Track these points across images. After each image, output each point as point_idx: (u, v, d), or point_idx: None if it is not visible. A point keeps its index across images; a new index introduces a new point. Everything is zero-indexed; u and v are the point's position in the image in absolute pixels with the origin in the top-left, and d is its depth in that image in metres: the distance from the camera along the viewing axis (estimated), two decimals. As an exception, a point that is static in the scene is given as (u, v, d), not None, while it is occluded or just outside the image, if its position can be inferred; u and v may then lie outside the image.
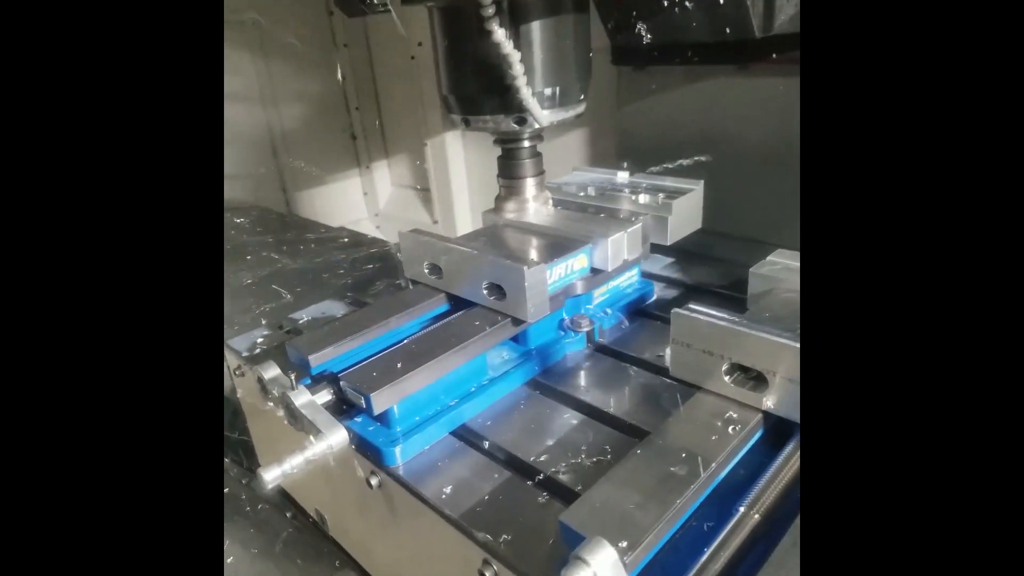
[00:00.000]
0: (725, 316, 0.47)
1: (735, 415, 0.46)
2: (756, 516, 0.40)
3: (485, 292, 0.62)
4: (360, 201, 2.48)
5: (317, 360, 0.58)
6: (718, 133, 1.11)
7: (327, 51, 2.21)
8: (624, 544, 0.36)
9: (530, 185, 0.74)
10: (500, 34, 0.57)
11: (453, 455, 0.55)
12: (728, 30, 0.95)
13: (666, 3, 1.03)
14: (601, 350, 0.68)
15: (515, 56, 0.58)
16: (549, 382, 0.63)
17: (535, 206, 0.75)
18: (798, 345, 0.43)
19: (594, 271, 0.69)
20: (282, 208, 2.20)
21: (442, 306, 0.67)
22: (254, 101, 2.02)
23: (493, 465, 0.54)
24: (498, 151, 0.74)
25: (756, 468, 0.45)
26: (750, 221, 1.01)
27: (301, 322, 0.77)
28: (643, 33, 1.13)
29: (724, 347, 0.47)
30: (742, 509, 0.40)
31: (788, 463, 0.43)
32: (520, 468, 0.53)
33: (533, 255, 0.62)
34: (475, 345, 0.58)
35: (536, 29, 0.62)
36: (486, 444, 0.56)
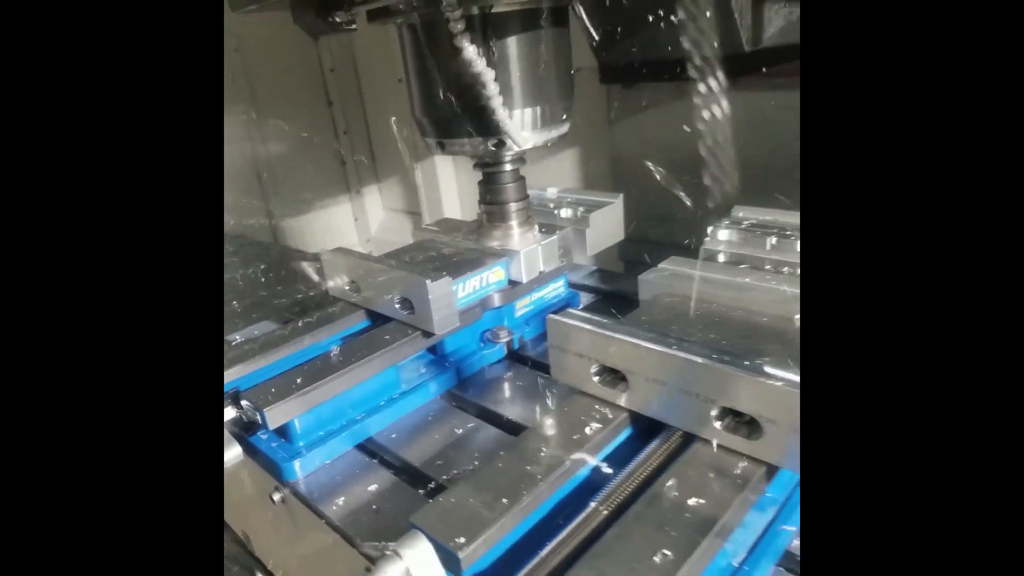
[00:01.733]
0: (593, 320, 0.51)
1: (600, 415, 0.49)
2: (604, 511, 0.43)
3: (398, 306, 0.67)
4: (351, 227, 2.54)
5: (225, 378, 0.62)
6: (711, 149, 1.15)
7: (314, 75, 2.29)
8: (461, 540, 0.40)
9: (514, 211, 0.72)
10: (471, 51, 0.55)
11: (354, 467, 0.59)
12: (716, 44, 1.00)
13: (651, 19, 1.07)
14: (521, 360, 0.72)
15: (489, 75, 0.57)
16: (462, 393, 0.67)
17: (520, 232, 0.73)
18: (653, 346, 0.46)
19: (513, 284, 0.73)
20: (268, 237, 2.26)
21: (362, 322, 0.72)
22: (238, 127, 2.09)
23: (390, 476, 0.57)
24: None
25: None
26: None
27: (233, 344, 0.82)
28: (629, 50, 1.17)
29: (592, 350, 0.50)
30: (593, 504, 0.43)
31: (647, 461, 0.46)
32: (415, 477, 0.57)
33: (442, 268, 0.66)
34: (379, 359, 0.62)
35: (511, 46, 0.61)
36: (388, 456, 0.60)
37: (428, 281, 0.62)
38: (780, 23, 1.06)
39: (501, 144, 0.64)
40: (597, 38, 1.21)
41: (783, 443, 0.42)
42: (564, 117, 0.68)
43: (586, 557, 0.38)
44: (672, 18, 1.06)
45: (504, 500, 0.43)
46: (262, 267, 1.33)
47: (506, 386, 0.67)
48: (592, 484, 0.47)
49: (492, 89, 0.58)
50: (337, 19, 0.65)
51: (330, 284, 0.73)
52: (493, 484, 0.44)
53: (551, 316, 0.52)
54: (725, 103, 1.00)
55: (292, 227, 2.32)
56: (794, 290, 0.55)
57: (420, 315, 0.64)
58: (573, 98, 0.69)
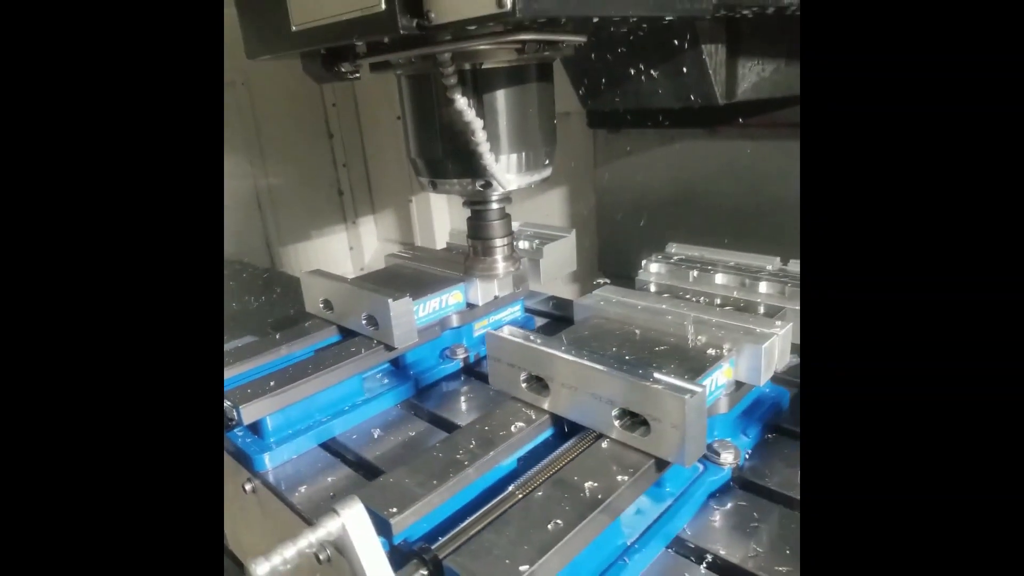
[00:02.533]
0: (523, 335, 0.60)
1: (525, 416, 0.58)
2: (519, 494, 0.51)
3: (364, 322, 0.76)
4: (346, 255, 2.64)
5: (208, 381, 0.71)
6: (691, 193, 1.24)
7: (316, 110, 2.42)
8: (394, 510, 0.48)
9: (499, 246, 0.78)
10: (462, 102, 0.62)
11: (317, 462, 0.68)
12: (693, 97, 1.06)
13: (633, 71, 1.17)
14: (475, 375, 0.81)
15: (478, 123, 0.63)
16: (419, 402, 0.76)
17: (505, 266, 0.78)
18: (568, 356, 0.55)
19: (471, 306, 0.82)
20: (266, 263, 2.35)
21: (333, 336, 0.81)
22: (240, 158, 2.19)
23: (347, 470, 0.66)
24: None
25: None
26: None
27: (220, 356, 0.91)
28: (612, 99, 1.24)
29: (521, 360, 0.59)
30: (511, 488, 0.52)
31: (562, 456, 0.54)
32: (370, 471, 0.65)
33: (406, 290, 0.75)
34: (345, 368, 0.71)
35: (499, 97, 0.67)
36: (348, 454, 0.68)
37: (390, 300, 0.71)
38: (753, 79, 1.16)
39: (488, 185, 0.71)
40: (580, 92, 1.30)
41: (667, 438, 0.50)
42: (547, 162, 0.75)
43: (494, 524, 0.47)
44: (652, 72, 1.15)
45: (434, 481, 0.51)
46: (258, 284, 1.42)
47: (458, 397, 0.76)
48: (515, 474, 0.56)
49: (480, 136, 0.64)
50: (342, 69, 0.69)
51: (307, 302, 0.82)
52: (427, 468, 0.53)
53: (489, 331, 0.61)
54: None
55: (290, 254, 2.41)
56: (699, 315, 0.64)
57: (383, 330, 0.73)
58: (556, 144, 0.77)
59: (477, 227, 0.78)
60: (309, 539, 0.43)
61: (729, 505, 0.57)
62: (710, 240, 0.80)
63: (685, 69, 1.03)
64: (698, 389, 0.49)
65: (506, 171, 0.70)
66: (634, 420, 0.53)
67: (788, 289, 0.67)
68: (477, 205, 0.77)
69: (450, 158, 0.70)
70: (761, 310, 0.67)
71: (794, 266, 0.72)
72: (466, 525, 0.48)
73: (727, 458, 0.58)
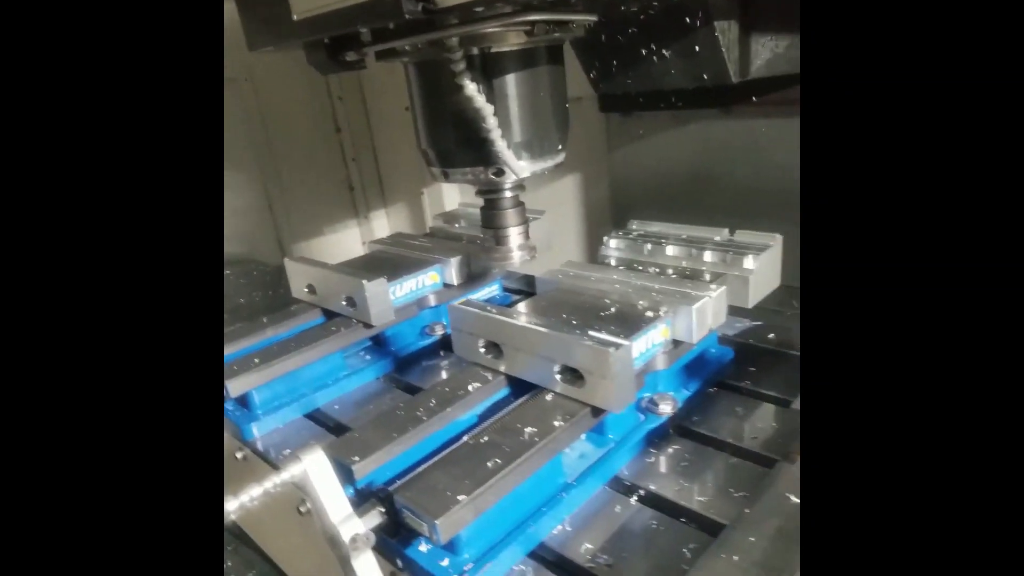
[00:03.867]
0: (479, 306, 0.67)
1: (482, 378, 0.65)
2: (471, 443, 0.58)
3: (344, 304, 0.83)
4: (359, 250, 2.71)
5: (203, 360, 0.79)
6: (707, 174, 1.24)
7: (323, 105, 2.48)
8: (356, 458, 0.56)
9: (514, 234, 0.76)
10: (472, 88, 0.60)
11: (302, 430, 0.76)
12: (706, 76, 1.06)
13: (644, 52, 1.18)
14: (451, 349, 0.88)
15: (488, 110, 0.61)
16: (398, 375, 0.83)
17: (520, 255, 0.76)
18: (516, 322, 0.62)
19: (448, 287, 0.89)
20: (278, 261, 2.44)
21: (318, 318, 0.88)
22: (248, 156, 2.27)
23: (330, 436, 0.74)
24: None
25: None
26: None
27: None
28: (624, 82, 1.23)
29: (478, 329, 0.66)
30: (464, 439, 0.59)
31: (513, 411, 0.61)
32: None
33: (383, 273, 0.82)
34: (324, 345, 0.79)
35: (509, 82, 0.66)
36: (330, 422, 0.76)
37: (364, 281, 0.78)
38: (767, 55, 1.17)
39: (501, 173, 0.69)
40: (592, 75, 1.31)
41: (599, 388, 0.57)
42: (560, 148, 0.75)
43: (440, 463, 0.54)
44: (664, 53, 1.17)
45: (394, 434, 0.59)
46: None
47: (433, 369, 0.84)
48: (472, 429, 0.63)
49: (491, 123, 0.62)
50: (348, 59, 0.69)
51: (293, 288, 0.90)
52: (388, 424, 0.61)
53: (450, 304, 0.69)
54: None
55: (303, 251, 2.48)
56: (642, 283, 0.70)
57: (361, 310, 0.81)
58: (569, 129, 0.76)
59: (491, 216, 0.76)
60: (274, 480, 0.50)
61: (667, 449, 0.64)
62: (728, 221, 0.81)
63: (698, 48, 1.03)
64: (624, 343, 0.56)
65: (518, 158, 0.70)
66: (574, 375, 0.60)
67: (730, 256, 0.73)
68: (490, 194, 0.76)
69: (461, 147, 0.69)
70: (707, 277, 0.73)
71: (740, 236, 0.78)
72: (420, 470, 0.55)
73: (665, 408, 0.65)
